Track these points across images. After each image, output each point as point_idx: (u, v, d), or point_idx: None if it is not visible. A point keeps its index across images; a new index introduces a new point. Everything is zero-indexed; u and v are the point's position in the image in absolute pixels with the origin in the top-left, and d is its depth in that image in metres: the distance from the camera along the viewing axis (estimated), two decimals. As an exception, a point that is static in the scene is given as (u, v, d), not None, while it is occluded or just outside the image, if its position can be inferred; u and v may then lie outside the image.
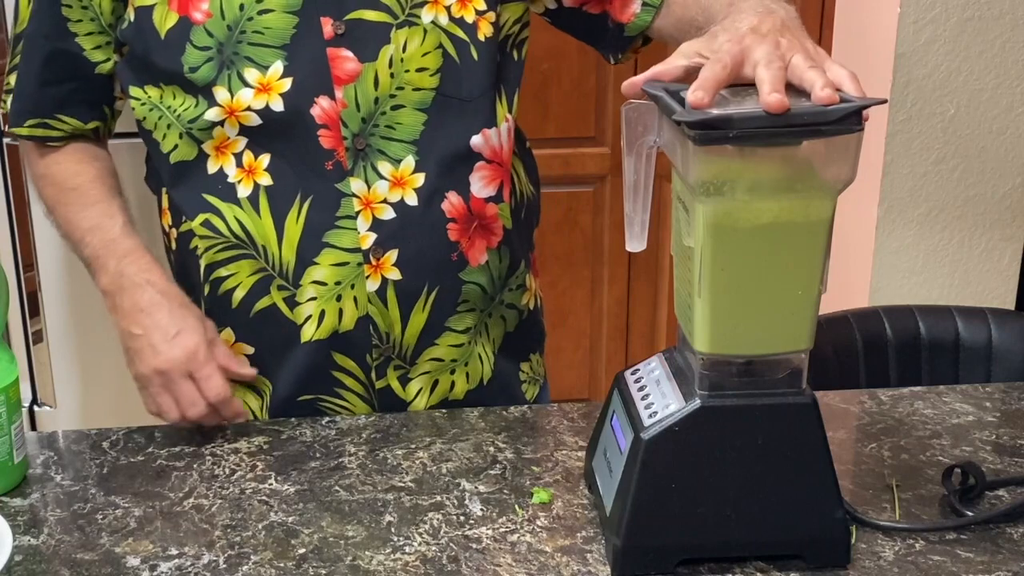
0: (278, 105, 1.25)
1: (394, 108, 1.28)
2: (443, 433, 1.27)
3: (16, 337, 2.67)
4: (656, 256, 2.77)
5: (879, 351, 1.67)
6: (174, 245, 1.37)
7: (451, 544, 1.07)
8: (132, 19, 1.29)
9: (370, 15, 1.26)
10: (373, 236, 1.28)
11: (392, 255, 1.29)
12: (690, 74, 1.00)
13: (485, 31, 1.32)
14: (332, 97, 1.26)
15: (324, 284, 1.28)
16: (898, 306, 1.72)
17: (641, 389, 1.07)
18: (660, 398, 1.04)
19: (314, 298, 1.29)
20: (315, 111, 1.26)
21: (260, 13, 1.25)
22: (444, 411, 1.33)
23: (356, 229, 1.28)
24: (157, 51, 1.27)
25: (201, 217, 1.30)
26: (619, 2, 1.37)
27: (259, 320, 1.31)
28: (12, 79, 1.37)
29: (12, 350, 1.20)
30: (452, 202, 1.31)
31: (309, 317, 1.30)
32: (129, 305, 1.29)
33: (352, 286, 1.28)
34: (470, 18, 1.31)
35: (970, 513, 1.11)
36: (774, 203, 0.97)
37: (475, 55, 1.31)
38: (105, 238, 1.33)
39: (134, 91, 1.32)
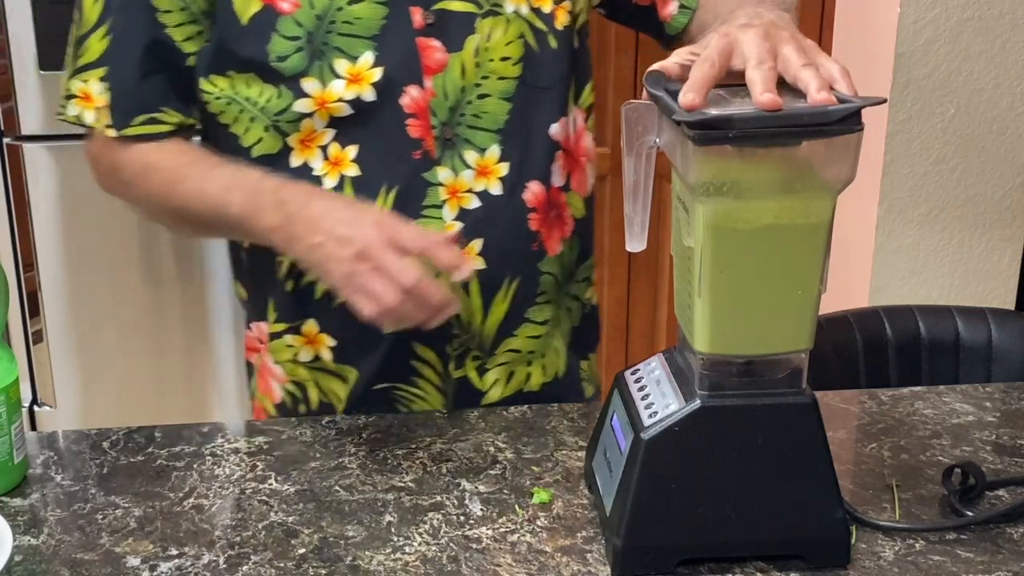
0: (369, 95, 1.25)
1: (480, 97, 1.29)
2: (443, 433, 1.27)
3: (16, 337, 2.67)
4: (656, 256, 2.77)
5: (879, 351, 1.67)
6: (246, 243, 1.36)
7: (451, 544, 1.07)
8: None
9: (456, 5, 1.27)
10: (458, 225, 1.28)
11: (476, 244, 1.29)
12: (686, 71, 1.00)
13: (562, 20, 1.33)
14: (421, 86, 1.26)
15: None
16: (898, 306, 1.72)
17: (641, 389, 1.07)
18: (660, 398, 1.04)
19: None
20: (404, 100, 1.26)
21: (350, 3, 1.24)
22: (444, 411, 1.33)
23: (442, 218, 1.28)
24: (237, 38, 1.25)
25: None
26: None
27: (342, 311, 1.30)
28: (90, 82, 1.29)
29: (12, 350, 1.20)
30: (533, 191, 1.31)
31: None
32: (303, 225, 1.18)
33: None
34: (547, 8, 1.32)
35: (970, 513, 1.11)
36: (774, 203, 0.97)
37: (553, 44, 1.32)
38: (250, 186, 1.24)
39: (204, 84, 1.29)
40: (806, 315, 1.01)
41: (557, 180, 1.34)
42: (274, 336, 1.36)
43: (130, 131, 1.30)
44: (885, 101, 1.17)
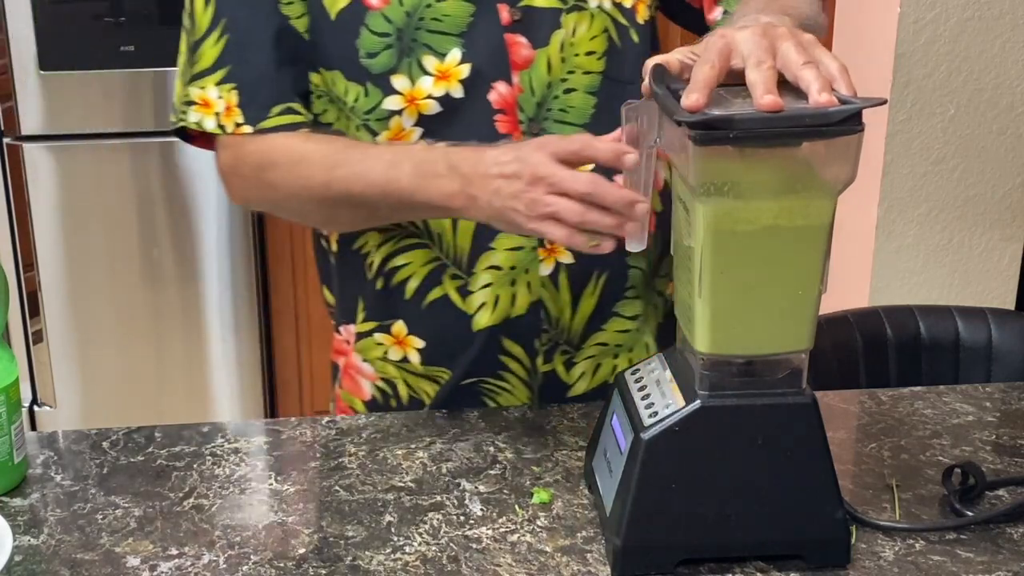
0: (458, 92, 1.25)
1: (566, 92, 1.29)
2: (443, 433, 1.27)
3: (16, 337, 2.67)
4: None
5: (879, 351, 1.67)
6: (334, 247, 1.36)
7: (451, 544, 1.07)
8: None
9: (541, 1, 1.27)
10: None
11: None
12: (687, 69, 1.00)
13: (643, 14, 1.34)
14: (509, 82, 1.26)
15: (500, 269, 1.29)
16: (898, 306, 1.72)
17: (641, 389, 1.07)
18: (660, 398, 1.04)
19: (488, 284, 1.29)
20: (492, 96, 1.26)
21: (438, 0, 1.24)
22: (444, 411, 1.33)
23: None
24: (326, 32, 1.26)
25: None
26: (708, 1, 1.40)
27: (431, 311, 1.31)
28: (207, 88, 1.27)
29: (12, 350, 1.20)
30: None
31: (483, 304, 1.30)
32: (479, 182, 1.14)
33: (527, 270, 1.28)
34: (629, 2, 1.32)
35: (970, 513, 1.11)
36: (774, 204, 0.97)
37: (635, 38, 1.33)
38: (416, 158, 1.20)
39: (312, 77, 1.28)
40: (806, 315, 1.01)
41: None
42: (362, 335, 1.36)
43: (268, 123, 1.26)
44: (885, 102, 1.17)
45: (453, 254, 1.29)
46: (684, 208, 1.02)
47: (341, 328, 1.41)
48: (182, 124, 1.30)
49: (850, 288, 2.53)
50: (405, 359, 1.34)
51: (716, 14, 1.40)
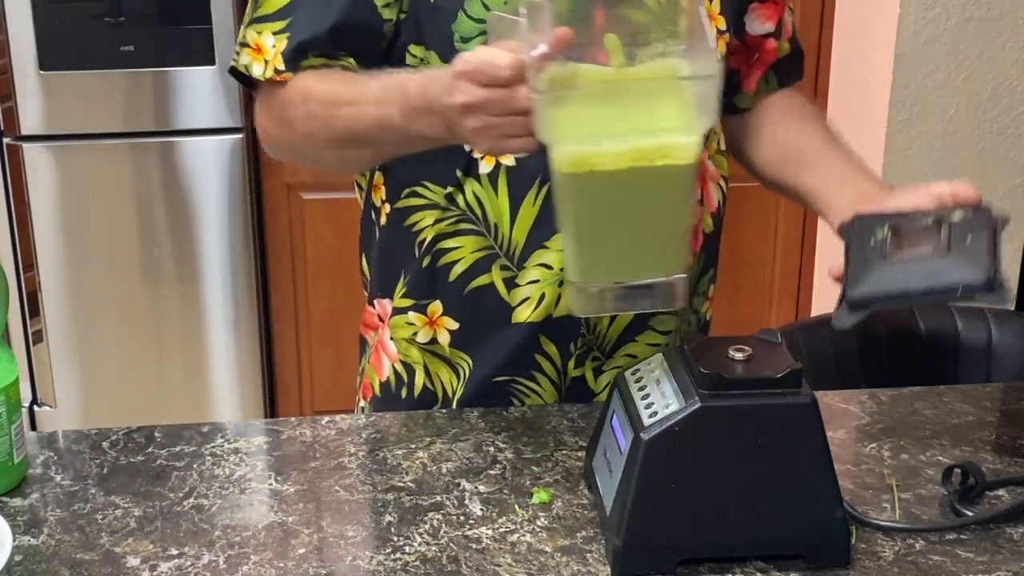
0: None
1: None
2: (443, 433, 1.27)
3: (16, 337, 2.67)
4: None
5: (879, 351, 1.67)
6: (383, 220, 1.36)
7: (451, 544, 1.07)
8: None
9: (638, 16, 1.25)
10: None
11: None
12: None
13: (720, 49, 1.34)
14: None
15: (550, 268, 1.29)
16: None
17: (641, 389, 1.07)
18: (660, 398, 1.04)
19: (536, 281, 1.30)
20: None
21: None
22: (444, 411, 1.33)
23: None
24: (425, 12, 1.26)
25: (447, 189, 1.29)
26: (753, 72, 1.44)
27: (472, 297, 1.31)
28: (264, 34, 1.27)
29: (12, 350, 1.20)
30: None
31: (527, 299, 1.30)
32: (449, 115, 1.12)
33: None
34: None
35: (970, 513, 1.11)
36: (630, 148, 0.99)
37: None
38: (401, 93, 1.18)
39: (408, 56, 1.29)
40: (675, 243, 1.03)
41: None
42: (397, 311, 1.36)
43: (303, 64, 1.27)
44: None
45: (507, 246, 1.30)
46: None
47: (375, 302, 1.41)
48: (233, 64, 1.31)
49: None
50: (434, 339, 1.35)
51: (752, 88, 1.45)
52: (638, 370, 1.11)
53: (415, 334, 1.36)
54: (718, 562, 1.03)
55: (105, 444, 1.25)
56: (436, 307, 1.34)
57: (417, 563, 1.04)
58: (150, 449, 1.24)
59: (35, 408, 2.74)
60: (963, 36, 2.37)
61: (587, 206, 1.01)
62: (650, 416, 1.02)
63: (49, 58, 2.51)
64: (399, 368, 1.38)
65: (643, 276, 1.06)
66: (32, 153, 2.57)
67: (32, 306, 2.68)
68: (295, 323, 2.82)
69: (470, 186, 1.29)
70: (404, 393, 1.38)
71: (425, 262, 1.33)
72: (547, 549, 1.06)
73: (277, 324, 2.81)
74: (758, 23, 1.42)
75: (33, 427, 2.70)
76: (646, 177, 1.00)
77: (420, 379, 1.37)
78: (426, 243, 1.32)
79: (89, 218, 2.62)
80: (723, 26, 1.35)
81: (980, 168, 2.47)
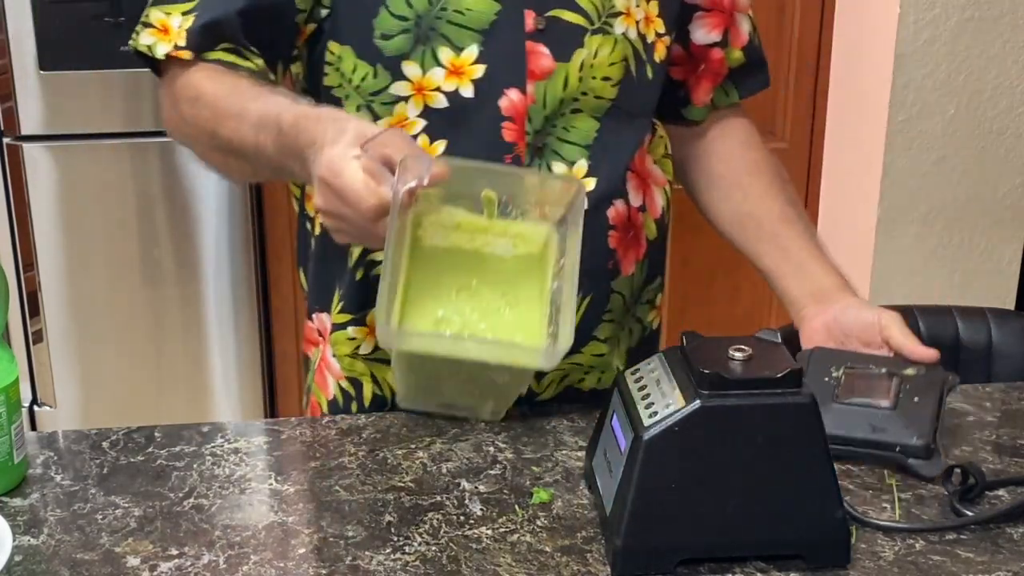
0: (468, 91, 1.24)
1: (573, 112, 1.28)
2: (443, 433, 1.27)
3: (16, 337, 2.67)
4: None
5: (879, 351, 1.67)
6: (318, 230, 1.35)
7: (451, 544, 1.07)
8: None
9: (568, 16, 1.26)
10: None
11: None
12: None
13: (660, 54, 1.33)
14: (523, 91, 1.25)
15: None
16: (898, 306, 1.72)
17: (641, 389, 1.07)
18: (660, 398, 1.04)
19: None
20: (503, 102, 1.25)
21: None
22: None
23: None
24: (347, 5, 1.24)
25: None
26: (702, 83, 1.43)
27: None
28: (173, 15, 1.24)
29: (12, 350, 1.20)
30: (618, 209, 1.31)
31: None
32: (314, 179, 1.11)
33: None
34: (650, 38, 1.32)
35: (970, 513, 1.11)
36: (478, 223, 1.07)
37: (649, 74, 1.32)
38: (279, 126, 1.15)
39: (328, 52, 1.26)
40: (504, 402, 1.14)
41: (635, 201, 1.33)
42: (337, 327, 1.35)
43: (211, 54, 1.23)
44: None
45: None
46: None
47: (314, 316, 1.39)
48: (132, 46, 1.26)
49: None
50: (377, 347, 1.33)
51: (704, 101, 1.43)
52: (638, 370, 1.11)
53: (357, 348, 1.34)
54: (718, 562, 1.03)
55: (105, 444, 1.25)
56: (374, 315, 1.32)
57: (417, 563, 1.04)
58: (150, 449, 1.24)
59: (35, 408, 2.74)
60: (963, 36, 2.37)
61: (423, 368, 1.01)
62: (650, 416, 1.02)
63: (49, 58, 2.50)
64: (344, 385, 1.37)
65: (466, 414, 1.16)
66: (32, 153, 2.56)
67: (32, 306, 2.68)
68: (295, 323, 2.82)
69: None
70: (354, 407, 1.37)
71: (359, 275, 1.31)
72: (547, 549, 1.06)
73: (277, 324, 2.81)
74: (702, 32, 1.40)
75: (33, 427, 2.70)
76: (485, 368, 1.02)
77: (368, 389, 1.36)
78: (356, 254, 1.31)
79: (89, 218, 2.62)
80: (661, 29, 1.33)
81: (980, 168, 2.47)
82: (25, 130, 2.56)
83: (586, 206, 1.17)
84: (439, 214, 1.08)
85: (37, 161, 2.58)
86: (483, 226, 1.10)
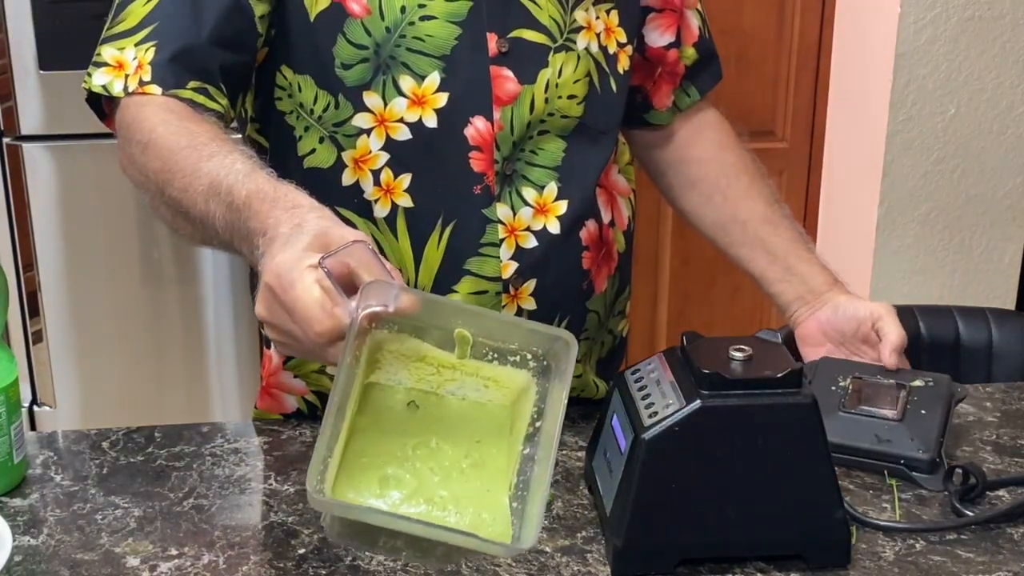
0: (431, 121, 1.19)
1: (540, 134, 1.24)
2: (443, 433, 1.27)
3: (16, 337, 2.67)
4: (655, 256, 2.77)
5: (879, 351, 1.67)
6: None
7: (451, 544, 1.07)
8: None
9: (530, 35, 1.22)
10: (514, 265, 1.24)
11: (530, 285, 1.25)
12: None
13: (623, 64, 1.31)
14: (489, 118, 1.21)
15: None
16: (898, 306, 1.72)
17: (641, 389, 1.07)
18: (660, 398, 1.04)
19: None
20: (469, 131, 1.20)
21: (422, 19, 1.17)
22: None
23: (499, 257, 1.23)
24: (302, 33, 1.18)
25: None
26: (662, 87, 1.41)
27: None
28: (126, 50, 1.13)
29: (12, 350, 1.19)
30: (590, 230, 1.29)
31: None
32: (262, 274, 0.94)
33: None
34: (612, 49, 1.29)
35: (970, 513, 1.11)
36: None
37: (614, 87, 1.30)
38: (229, 200, 0.99)
39: (279, 77, 1.20)
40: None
41: (606, 217, 1.32)
42: None
43: (182, 92, 1.12)
44: None
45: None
46: None
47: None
48: (86, 87, 1.16)
49: (850, 288, 2.53)
50: None
51: (665, 103, 1.42)
52: (638, 370, 1.11)
53: (324, 365, 1.27)
54: (718, 562, 1.03)
55: (105, 444, 1.25)
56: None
57: (417, 563, 1.04)
58: (150, 449, 1.24)
59: (35, 408, 2.74)
60: (963, 36, 2.37)
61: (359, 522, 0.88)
62: (650, 416, 1.02)
63: (49, 58, 2.50)
64: (310, 398, 1.34)
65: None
66: (32, 153, 2.56)
67: (32, 306, 2.68)
68: (295, 323, 2.82)
69: (367, 228, 1.21)
70: (320, 414, 1.32)
71: None
72: (547, 549, 1.06)
73: (277, 324, 2.81)
74: (656, 34, 1.38)
75: (33, 427, 2.70)
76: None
77: None
78: None
79: (89, 218, 2.62)
80: (623, 39, 1.31)
81: (980, 168, 2.47)
82: (25, 130, 2.56)
83: (572, 367, 0.93)
84: (402, 343, 0.92)
85: (37, 161, 2.58)
86: (451, 363, 0.94)
